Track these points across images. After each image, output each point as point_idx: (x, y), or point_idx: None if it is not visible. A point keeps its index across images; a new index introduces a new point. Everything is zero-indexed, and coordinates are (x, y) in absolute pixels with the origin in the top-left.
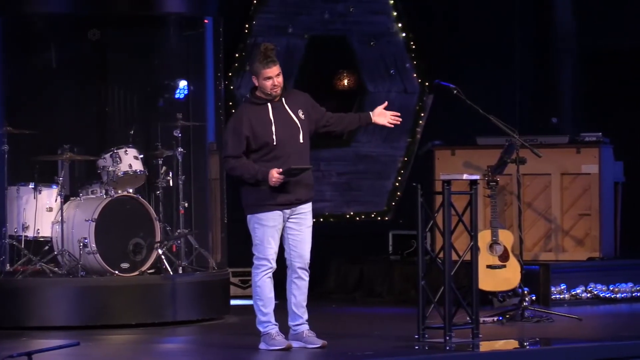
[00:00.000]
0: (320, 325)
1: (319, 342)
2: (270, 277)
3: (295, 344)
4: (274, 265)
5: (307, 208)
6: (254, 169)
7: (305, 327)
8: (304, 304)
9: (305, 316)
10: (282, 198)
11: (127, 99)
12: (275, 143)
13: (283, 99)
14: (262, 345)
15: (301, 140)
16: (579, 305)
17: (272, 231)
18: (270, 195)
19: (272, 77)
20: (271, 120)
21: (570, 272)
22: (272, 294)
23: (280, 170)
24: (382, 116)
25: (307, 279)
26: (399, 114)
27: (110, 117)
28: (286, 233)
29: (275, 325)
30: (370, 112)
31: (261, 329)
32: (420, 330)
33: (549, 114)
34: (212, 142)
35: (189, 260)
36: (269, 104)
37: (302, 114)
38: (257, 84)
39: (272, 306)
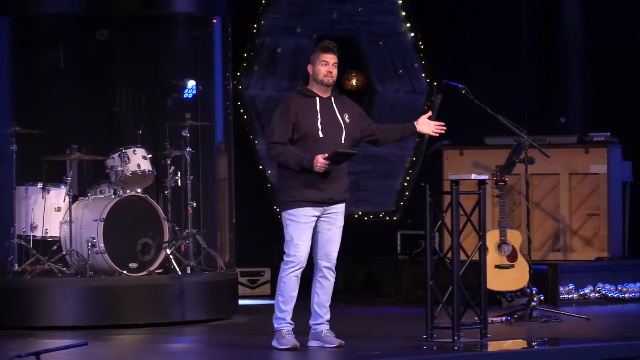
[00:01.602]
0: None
1: (335, 342)
2: (297, 276)
3: (313, 343)
4: (304, 263)
5: (340, 208)
6: (299, 155)
7: (325, 326)
8: (327, 304)
9: (327, 316)
10: (315, 195)
11: (136, 98)
12: (322, 136)
13: (332, 98)
14: (274, 343)
15: (342, 141)
16: (587, 305)
17: (304, 228)
18: (303, 193)
19: (329, 63)
20: (317, 113)
21: (579, 272)
22: (294, 293)
23: (326, 155)
24: (426, 125)
25: (333, 279)
26: (443, 124)
27: (118, 117)
28: (316, 231)
29: (290, 324)
30: (415, 122)
31: (275, 325)
32: (429, 330)
33: (557, 114)
34: (221, 142)
35: (197, 260)
36: (317, 98)
37: (348, 119)
38: (311, 72)
39: (292, 305)
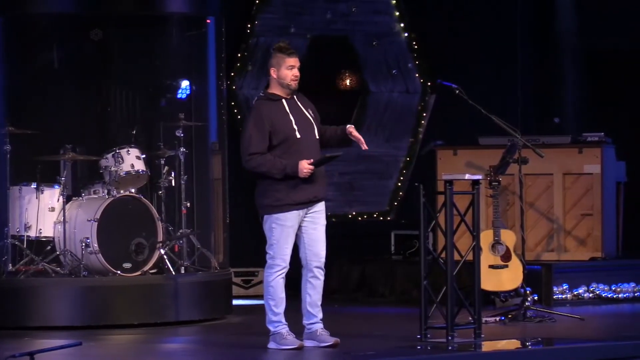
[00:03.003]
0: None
1: (331, 340)
2: (283, 278)
3: (308, 343)
4: (288, 265)
5: (321, 207)
6: (281, 163)
7: (319, 325)
8: (319, 303)
9: (320, 315)
10: (300, 197)
11: (130, 98)
12: (299, 137)
13: (295, 96)
14: (271, 345)
15: (316, 136)
16: (581, 305)
17: (289, 231)
18: (289, 195)
19: (295, 66)
20: (289, 114)
21: (573, 272)
22: (284, 294)
23: (311, 160)
24: (352, 135)
25: (323, 278)
26: (364, 142)
27: (112, 117)
28: (301, 232)
29: (285, 325)
30: (346, 127)
31: (271, 328)
32: (423, 330)
33: (552, 114)
34: (215, 142)
35: (191, 260)
36: (283, 100)
37: (312, 113)
38: (276, 76)
39: (284, 306)
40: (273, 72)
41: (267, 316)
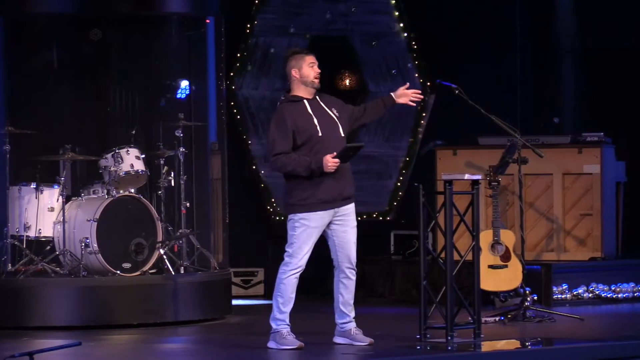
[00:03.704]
0: (321, 325)
1: (366, 340)
2: (297, 278)
3: (341, 340)
4: (304, 266)
5: (350, 209)
6: (306, 160)
7: (353, 324)
8: (352, 302)
9: (352, 314)
10: (326, 195)
11: (129, 98)
12: (320, 134)
13: (317, 97)
14: (271, 344)
15: (342, 134)
16: (581, 305)
17: (313, 232)
18: (315, 194)
19: (315, 64)
20: (311, 114)
21: (572, 272)
22: (293, 295)
23: (335, 154)
24: (404, 96)
25: (354, 277)
26: (419, 92)
27: (112, 117)
28: (332, 234)
29: (288, 325)
30: (392, 94)
31: (273, 326)
32: (422, 330)
33: (551, 114)
34: (214, 142)
35: (191, 260)
36: (305, 101)
37: (337, 112)
38: (298, 76)
39: (290, 306)
40: (295, 73)
41: (272, 312)
